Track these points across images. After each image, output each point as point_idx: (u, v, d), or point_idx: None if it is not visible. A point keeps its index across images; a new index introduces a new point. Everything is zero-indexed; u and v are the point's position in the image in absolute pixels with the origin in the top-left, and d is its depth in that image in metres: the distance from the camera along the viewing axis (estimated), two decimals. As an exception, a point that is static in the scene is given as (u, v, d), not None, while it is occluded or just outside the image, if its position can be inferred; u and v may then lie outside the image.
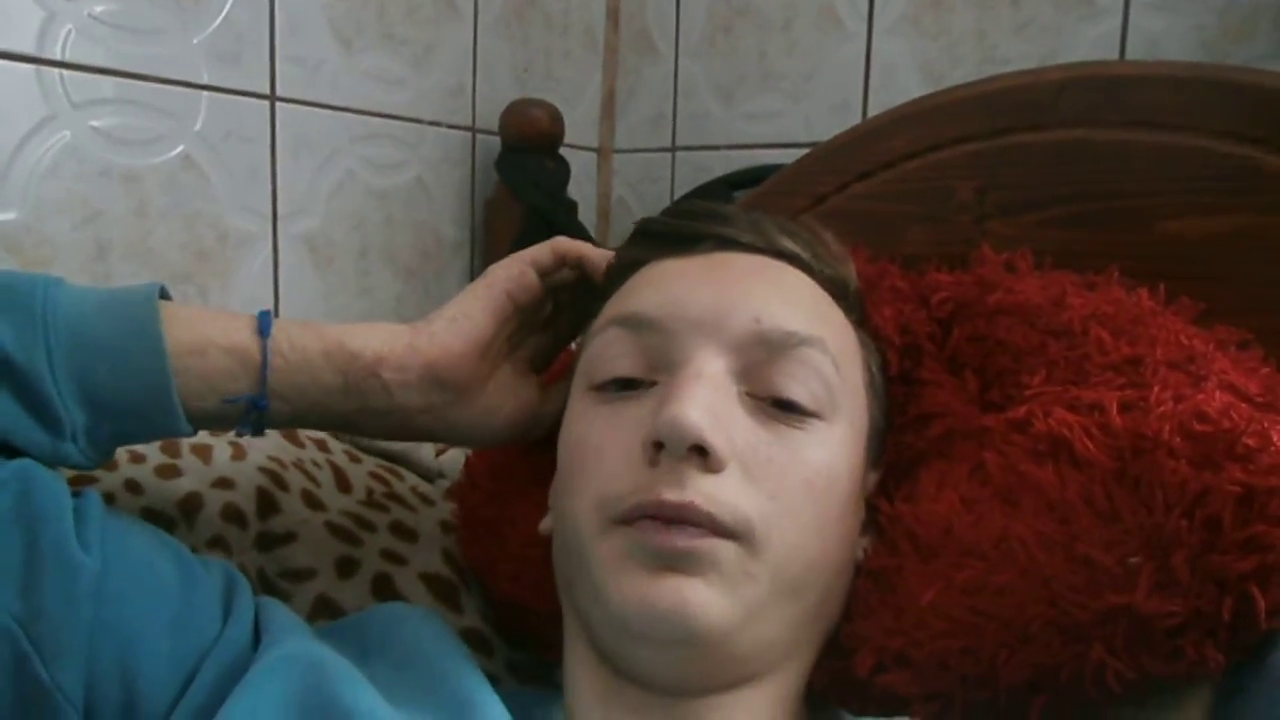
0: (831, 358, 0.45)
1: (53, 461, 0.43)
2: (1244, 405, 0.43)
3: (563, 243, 0.54)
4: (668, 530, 0.40)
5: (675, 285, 0.47)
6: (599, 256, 0.54)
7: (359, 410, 0.49)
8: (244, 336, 0.46)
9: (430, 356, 0.48)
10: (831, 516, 0.44)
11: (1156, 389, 0.44)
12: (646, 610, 0.40)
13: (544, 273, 0.53)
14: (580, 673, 0.46)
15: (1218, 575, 0.40)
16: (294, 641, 0.44)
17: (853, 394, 0.47)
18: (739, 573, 0.41)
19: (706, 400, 0.41)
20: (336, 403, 0.48)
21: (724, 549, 0.40)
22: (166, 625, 0.42)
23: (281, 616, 0.46)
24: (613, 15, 1.19)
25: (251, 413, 0.46)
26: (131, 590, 0.42)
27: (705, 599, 0.40)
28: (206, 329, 0.45)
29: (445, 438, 0.53)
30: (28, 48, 0.65)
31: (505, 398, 0.53)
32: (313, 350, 0.47)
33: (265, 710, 0.39)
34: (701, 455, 0.41)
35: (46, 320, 0.42)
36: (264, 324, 0.46)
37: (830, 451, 0.45)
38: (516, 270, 0.52)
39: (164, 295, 0.46)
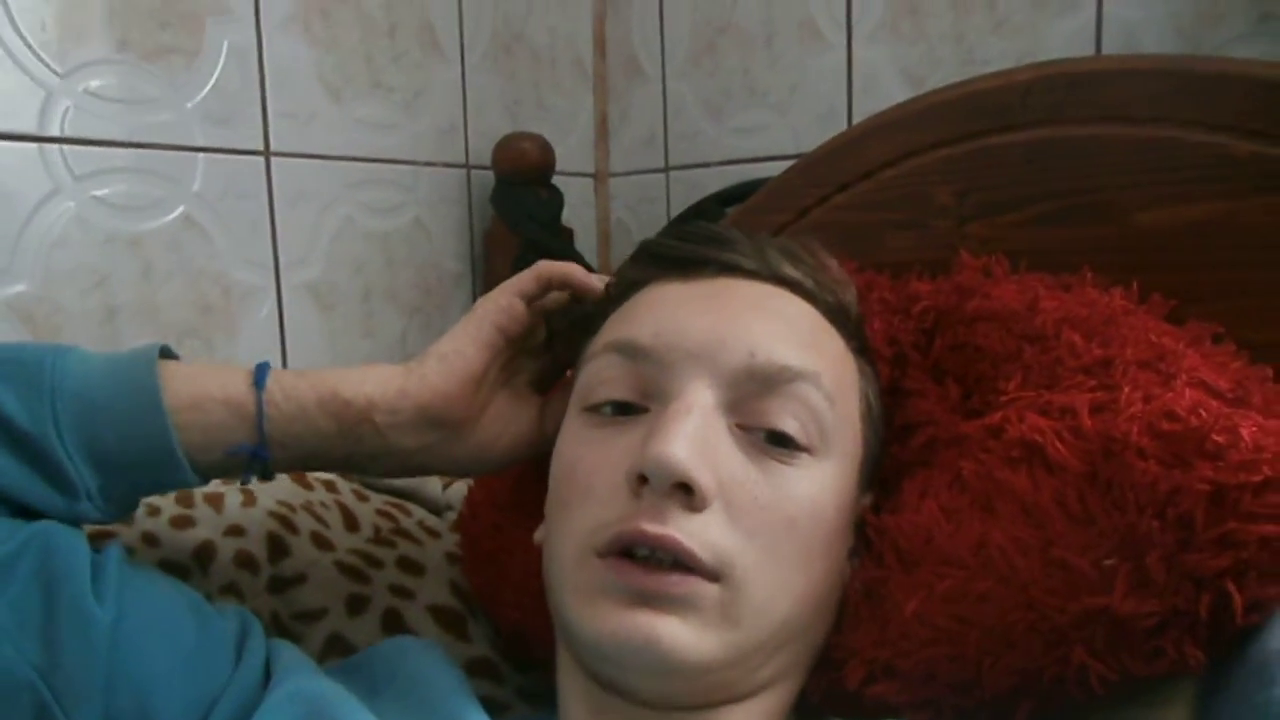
0: (826, 393, 0.45)
1: (71, 520, 0.45)
2: (1214, 402, 0.44)
3: (546, 267, 0.55)
4: (643, 572, 0.41)
5: (673, 313, 0.47)
6: (584, 277, 0.55)
7: (356, 454, 0.50)
8: (239, 390, 0.47)
9: (421, 399, 0.50)
10: (815, 553, 0.45)
11: (1127, 390, 0.45)
12: (618, 642, 0.41)
13: (529, 299, 0.54)
14: (571, 688, 0.47)
15: (1193, 574, 0.40)
16: (300, 680, 0.45)
17: (847, 427, 0.48)
18: (720, 615, 0.41)
19: (695, 435, 0.42)
20: (334, 447, 0.49)
21: (703, 590, 0.41)
22: (181, 670, 0.44)
23: (290, 657, 0.48)
24: (599, 43, 1.21)
25: (254, 462, 0.48)
26: (147, 639, 0.44)
27: (679, 636, 0.40)
28: (205, 384, 0.47)
29: (446, 471, 0.55)
30: (30, 127, 0.68)
31: (504, 426, 0.54)
32: (307, 399, 0.48)
33: None
34: (685, 492, 0.41)
35: (54, 388, 0.44)
36: (260, 376, 0.48)
37: (817, 487, 0.45)
38: (504, 301, 0.53)
39: (168, 354, 0.48)
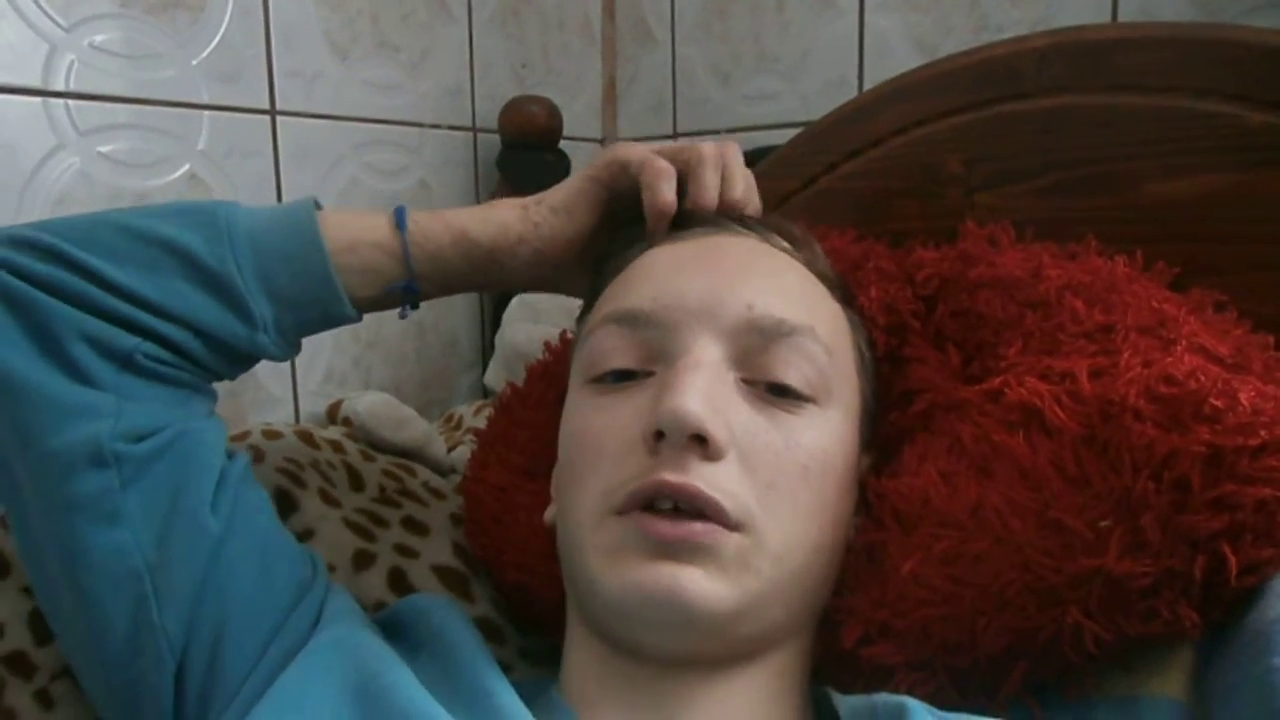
0: (824, 345, 0.46)
1: (251, 350, 0.51)
2: (1213, 367, 0.44)
3: (660, 183, 0.52)
4: (667, 522, 0.41)
5: (669, 276, 0.48)
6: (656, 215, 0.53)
7: (483, 282, 0.57)
8: (385, 233, 0.53)
9: (536, 246, 0.55)
10: (827, 501, 0.45)
11: (1126, 354, 0.45)
12: (642, 596, 0.41)
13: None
14: (579, 655, 0.48)
15: (1189, 535, 0.40)
16: (344, 627, 0.48)
17: (845, 378, 0.48)
18: (740, 564, 0.42)
19: (705, 389, 0.43)
20: (466, 280, 0.56)
21: (724, 539, 0.41)
22: (263, 599, 0.48)
23: (341, 603, 0.51)
24: (608, 6, 1.20)
25: (407, 295, 0.55)
26: (243, 561, 0.48)
27: (702, 586, 0.41)
28: (356, 229, 0.53)
29: (564, 293, 0.61)
30: (33, 81, 0.67)
31: None
32: (442, 240, 0.54)
33: (314, 682, 0.43)
34: (701, 444, 0.42)
35: (230, 233, 0.49)
36: (400, 219, 0.54)
37: (825, 435, 0.46)
38: (617, 168, 0.54)
39: (317, 206, 0.54)
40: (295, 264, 0.50)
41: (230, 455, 0.51)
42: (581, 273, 0.57)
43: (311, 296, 0.51)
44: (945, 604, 0.44)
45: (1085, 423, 0.43)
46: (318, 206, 0.53)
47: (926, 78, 0.71)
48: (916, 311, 0.57)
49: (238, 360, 0.52)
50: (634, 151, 0.54)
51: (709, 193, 0.52)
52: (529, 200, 0.56)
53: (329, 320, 0.53)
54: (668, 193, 0.51)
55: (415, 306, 0.56)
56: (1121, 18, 0.87)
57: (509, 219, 0.55)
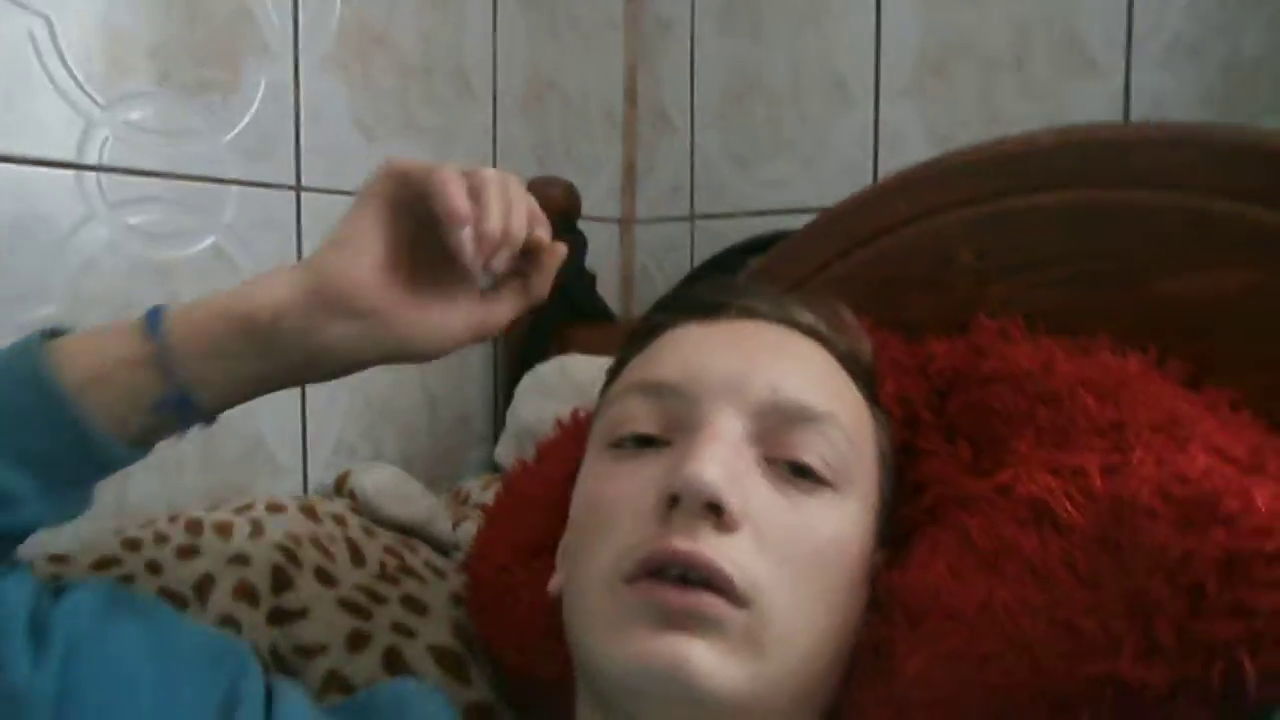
0: (845, 434, 0.46)
1: (23, 529, 0.43)
2: (1228, 467, 0.43)
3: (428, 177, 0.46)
4: (675, 590, 0.40)
5: (697, 351, 0.48)
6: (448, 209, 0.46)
7: (285, 366, 0.46)
8: (137, 345, 0.44)
9: (329, 292, 0.45)
10: (839, 587, 0.45)
11: (1139, 452, 0.44)
12: (645, 667, 0.40)
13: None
14: None
15: (1205, 641, 0.39)
16: None
17: (865, 470, 0.48)
18: (746, 642, 0.41)
19: (725, 460, 0.42)
20: (256, 368, 0.46)
21: (731, 615, 0.41)
22: None
23: (294, 704, 0.47)
24: (630, 95, 1.23)
25: (184, 411, 0.45)
26: (103, 706, 0.41)
27: (708, 662, 0.40)
28: (103, 352, 0.44)
29: (384, 361, 0.49)
30: (68, 155, 0.70)
31: (437, 311, 0.49)
32: (212, 329, 0.45)
33: None
34: (716, 514, 0.41)
35: None
36: (152, 323, 0.44)
37: (841, 522, 0.45)
38: (394, 180, 0.47)
39: (59, 332, 0.45)
40: (35, 419, 0.42)
41: (58, 593, 0.44)
42: (399, 317, 0.47)
43: (67, 450, 0.42)
44: (950, 706, 0.42)
45: (1097, 521, 0.42)
46: (55, 334, 0.45)
47: (940, 169, 0.72)
48: (929, 403, 0.57)
49: (14, 540, 0.44)
50: (412, 163, 0.47)
51: (494, 219, 0.46)
52: (313, 255, 0.48)
53: (102, 469, 0.45)
54: (459, 196, 0.45)
55: (209, 422, 0.47)
56: (1134, 115, 0.88)
57: (289, 276, 0.46)
